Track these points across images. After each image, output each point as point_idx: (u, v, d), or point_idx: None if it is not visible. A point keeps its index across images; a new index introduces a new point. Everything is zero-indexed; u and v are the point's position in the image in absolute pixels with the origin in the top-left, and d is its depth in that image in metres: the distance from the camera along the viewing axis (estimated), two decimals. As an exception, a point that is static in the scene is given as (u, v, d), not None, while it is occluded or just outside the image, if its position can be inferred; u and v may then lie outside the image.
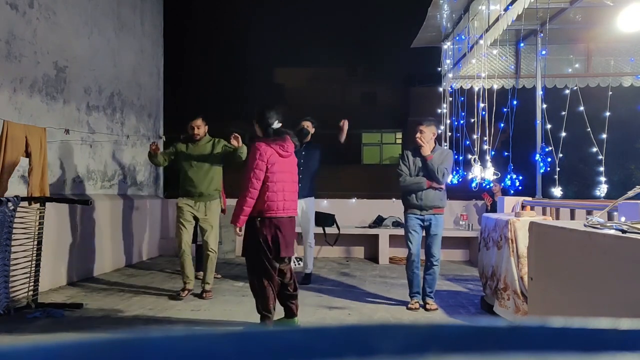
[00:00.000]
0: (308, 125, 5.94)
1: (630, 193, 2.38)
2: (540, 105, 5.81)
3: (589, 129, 5.57)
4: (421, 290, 4.82)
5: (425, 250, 4.75)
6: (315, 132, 6.04)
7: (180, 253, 5.16)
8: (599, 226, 2.25)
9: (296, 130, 5.67)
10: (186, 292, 5.16)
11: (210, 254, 5.18)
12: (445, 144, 6.99)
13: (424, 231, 4.74)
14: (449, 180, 5.29)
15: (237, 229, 3.84)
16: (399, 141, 24.51)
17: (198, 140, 5.16)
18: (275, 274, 3.83)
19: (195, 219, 5.20)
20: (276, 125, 3.83)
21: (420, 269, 4.82)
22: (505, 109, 5.96)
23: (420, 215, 4.66)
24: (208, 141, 5.21)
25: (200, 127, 5.15)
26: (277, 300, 3.93)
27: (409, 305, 4.79)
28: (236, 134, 4.98)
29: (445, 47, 7.12)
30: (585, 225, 2.35)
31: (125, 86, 7.51)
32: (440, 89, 7.28)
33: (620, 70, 6.77)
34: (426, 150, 4.64)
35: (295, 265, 6.60)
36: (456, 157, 6.86)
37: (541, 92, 5.90)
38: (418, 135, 4.68)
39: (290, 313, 4.02)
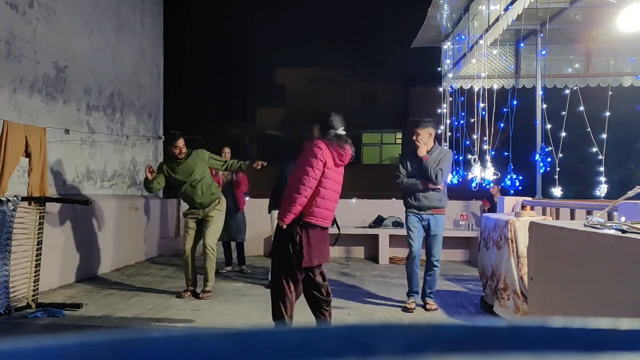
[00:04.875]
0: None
1: (630, 193, 2.38)
2: (540, 105, 5.81)
3: (589, 129, 5.57)
4: (421, 291, 4.83)
5: (426, 250, 4.76)
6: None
7: (185, 258, 5.21)
8: (599, 226, 2.25)
9: None
10: (188, 293, 5.19)
11: (208, 253, 5.17)
12: (445, 144, 6.99)
13: (424, 231, 4.74)
14: (448, 180, 5.30)
15: (283, 224, 3.50)
16: (399, 141, 24.52)
17: (181, 158, 5.17)
18: (300, 283, 3.61)
19: (200, 222, 5.26)
20: (340, 131, 3.59)
21: (419, 268, 4.82)
22: (505, 109, 5.96)
23: (419, 215, 4.69)
24: (188, 155, 5.22)
25: (183, 147, 5.16)
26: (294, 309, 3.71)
27: (407, 306, 4.78)
28: (262, 163, 5.29)
29: (445, 47, 7.12)
30: (585, 225, 2.35)
31: (125, 86, 7.51)
32: (440, 89, 7.28)
33: (620, 70, 6.77)
34: (422, 151, 4.67)
35: None
36: (456, 157, 6.86)
37: (541, 92, 5.90)
38: (415, 137, 4.73)
39: (323, 320, 3.76)
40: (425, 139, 4.69)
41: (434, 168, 4.61)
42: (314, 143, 3.50)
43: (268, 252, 7.40)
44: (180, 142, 5.13)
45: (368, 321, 0.55)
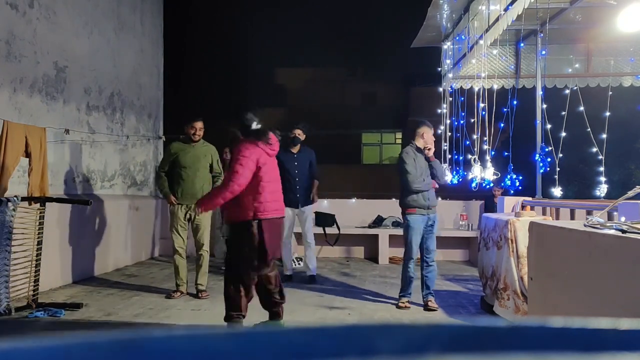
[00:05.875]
0: (299, 133, 5.92)
1: (630, 193, 2.38)
2: (540, 105, 5.81)
3: (589, 129, 5.57)
4: (421, 290, 4.85)
5: (424, 249, 4.83)
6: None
7: (176, 257, 5.20)
8: (599, 226, 2.25)
9: (289, 138, 5.73)
10: (179, 293, 5.16)
11: (203, 254, 5.20)
12: (445, 144, 7.00)
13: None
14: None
15: (200, 210, 3.92)
16: (399, 141, 24.50)
17: (196, 142, 5.16)
18: (255, 281, 3.76)
19: (189, 220, 5.23)
20: (255, 126, 3.77)
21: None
22: (505, 109, 5.96)
23: (427, 214, 4.76)
24: (203, 145, 5.24)
25: (201, 130, 5.18)
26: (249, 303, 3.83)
27: (400, 304, 4.83)
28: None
29: (445, 47, 7.12)
30: (585, 225, 2.35)
31: (125, 86, 7.51)
32: (440, 89, 7.28)
33: (620, 70, 6.77)
34: (432, 151, 4.82)
35: (295, 265, 6.60)
36: (456, 157, 6.87)
37: (541, 92, 5.90)
38: (433, 138, 4.83)
39: (276, 317, 3.92)
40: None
41: (444, 168, 4.79)
42: (240, 147, 3.70)
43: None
44: (198, 124, 5.15)
45: (368, 321, 0.55)
